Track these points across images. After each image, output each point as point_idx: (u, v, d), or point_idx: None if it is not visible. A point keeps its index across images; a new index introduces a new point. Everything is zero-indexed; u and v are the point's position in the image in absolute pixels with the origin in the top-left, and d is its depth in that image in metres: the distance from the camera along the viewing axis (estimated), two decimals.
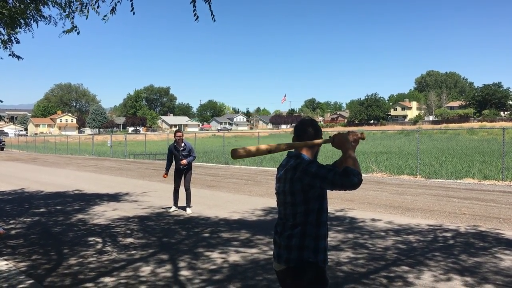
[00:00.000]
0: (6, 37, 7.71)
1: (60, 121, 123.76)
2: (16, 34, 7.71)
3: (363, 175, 2.42)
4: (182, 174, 8.84)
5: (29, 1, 7.35)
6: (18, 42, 7.93)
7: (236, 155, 2.50)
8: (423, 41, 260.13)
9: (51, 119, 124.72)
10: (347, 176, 2.30)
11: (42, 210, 9.24)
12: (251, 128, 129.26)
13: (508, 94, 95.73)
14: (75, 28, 6.98)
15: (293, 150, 2.59)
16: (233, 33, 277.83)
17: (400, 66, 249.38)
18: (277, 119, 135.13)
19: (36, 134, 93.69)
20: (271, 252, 4.14)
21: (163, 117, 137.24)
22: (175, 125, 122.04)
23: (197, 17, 5.61)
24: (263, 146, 2.54)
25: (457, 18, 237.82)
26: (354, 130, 2.59)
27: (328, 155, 20.99)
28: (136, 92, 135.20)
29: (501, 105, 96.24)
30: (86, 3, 6.68)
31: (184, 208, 8.81)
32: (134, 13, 5.94)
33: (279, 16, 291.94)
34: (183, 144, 8.75)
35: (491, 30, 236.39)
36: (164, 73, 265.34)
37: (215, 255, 5.64)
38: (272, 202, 9.08)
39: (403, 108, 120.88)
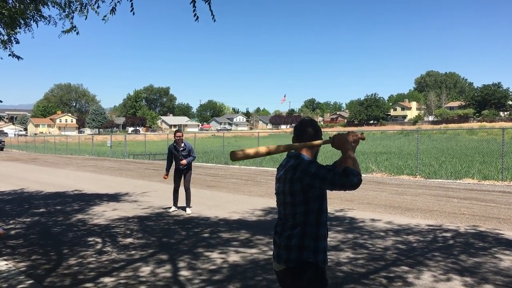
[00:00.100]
0: (6, 37, 7.70)
1: (60, 121, 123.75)
2: (16, 34, 7.70)
3: (362, 175, 2.42)
4: (182, 174, 8.84)
5: (28, 1, 7.34)
6: (17, 42, 7.93)
7: (235, 157, 2.50)
8: (423, 41, 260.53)
9: (50, 119, 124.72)
10: (347, 176, 2.30)
11: (41, 210, 9.24)
12: (250, 128, 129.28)
13: (508, 95, 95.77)
14: (74, 28, 6.98)
15: (292, 150, 2.58)
16: (233, 33, 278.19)
17: (399, 66, 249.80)
18: (276, 119, 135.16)
19: (35, 134, 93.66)
20: (271, 252, 4.14)
21: (163, 117, 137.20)
22: (174, 125, 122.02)
23: (197, 17, 5.61)
24: (262, 148, 2.53)
25: (456, 18, 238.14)
26: (354, 130, 2.59)
27: (327, 155, 20.99)
28: (135, 92, 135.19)
29: (500, 105, 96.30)
30: (86, 3, 6.68)
31: (183, 208, 8.81)
32: (134, 13, 5.94)
33: (279, 16, 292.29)
34: (182, 144, 8.75)
35: (490, 31, 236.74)
36: (164, 73, 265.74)
37: (214, 255, 5.64)
38: (272, 202, 9.08)
39: (403, 108, 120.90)
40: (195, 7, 5.56)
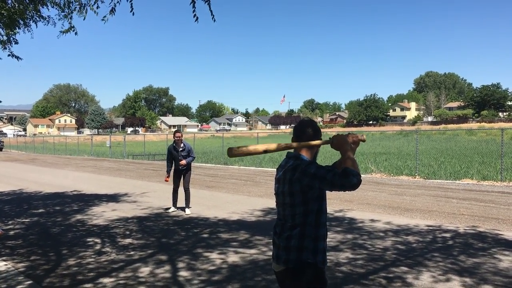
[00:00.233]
0: (5, 37, 7.70)
1: (59, 122, 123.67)
2: (15, 34, 7.70)
3: (362, 175, 2.42)
4: (181, 175, 8.84)
5: (28, 2, 7.34)
6: (16, 42, 7.92)
7: (232, 153, 2.51)
8: (422, 41, 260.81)
9: (50, 119, 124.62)
10: (346, 177, 2.31)
11: (40, 210, 9.23)
12: (250, 129, 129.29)
13: (507, 95, 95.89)
14: (72, 29, 6.98)
15: (292, 150, 2.58)
16: (232, 33, 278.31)
17: (399, 66, 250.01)
18: (276, 120, 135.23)
19: (35, 134, 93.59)
20: (270, 253, 4.14)
21: (162, 118, 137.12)
22: (174, 126, 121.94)
23: (197, 18, 5.62)
24: (260, 146, 2.54)
25: (456, 19, 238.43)
26: (355, 132, 2.60)
27: (327, 155, 21.00)
28: (135, 92, 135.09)
29: (499, 106, 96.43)
30: (85, 4, 6.68)
31: (183, 209, 8.80)
32: (133, 14, 5.94)
33: (279, 17, 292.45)
34: (182, 145, 8.75)
35: (490, 31, 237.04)
36: (163, 73, 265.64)
37: (214, 255, 5.64)
38: (271, 203, 9.08)
39: (402, 109, 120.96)
40: (195, 8, 5.57)
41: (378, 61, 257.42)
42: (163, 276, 4.88)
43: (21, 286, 4.59)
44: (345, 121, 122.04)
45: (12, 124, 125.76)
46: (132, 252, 5.86)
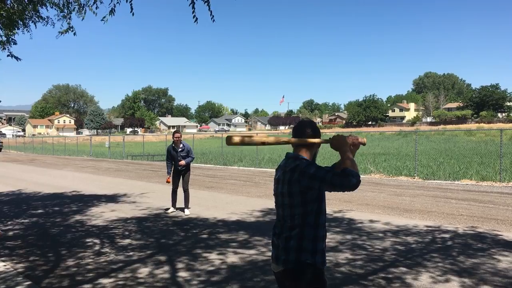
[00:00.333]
0: (4, 38, 7.70)
1: (58, 122, 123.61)
2: (14, 35, 7.70)
3: (361, 176, 2.42)
4: (181, 175, 8.84)
5: (27, 2, 7.34)
6: (15, 43, 7.92)
7: (230, 142, 2.53)
8: (421, 42, 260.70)
9: (49, 120, 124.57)
10: (346, 177, 2.31)
11: (39, 211, 9.22)
12: (249, 129, 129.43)
13: (506, 96, 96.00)
14: (71, 29, 6.98)
15: (291, 151, 2.59)
16: (232, 34, 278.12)
17: (398, 67, 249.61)
18: (275, 120, 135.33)
19: (34, 135, 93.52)
20: (269, 254, 4.14)
21: (161, 118, 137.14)
22: (173, 126, 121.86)
23: (196, 19, 5.62)
24: (258, 138, 2.57)
25: (455, 20, 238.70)
26: (356, 136, 2.61)
27: (326, 156, 21.00)
28: (134, 93, 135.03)
29: (498, 106, 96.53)
30: (84, 4, 6.69)
31: (182, 209, 8.80)
32: (133, 14, 5.95)
33: (278, 17, 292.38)
34: (181, 145, 8.75)
35: (489, 32, 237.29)
36: (162, 74, 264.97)
37: (213, 256, 5.64)
38: (270, 204, 9.08)
39: (401, 110, 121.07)
40: (194, 9, 5.57)
41: (377, 62, 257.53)
42: (162, 277, 4.88)
43: (20, 287, 4.59)
44: (344, 121, 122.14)
45: (11, 125, 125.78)
46: (131, 253, 5.86)
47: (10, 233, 7.18)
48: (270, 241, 3.17)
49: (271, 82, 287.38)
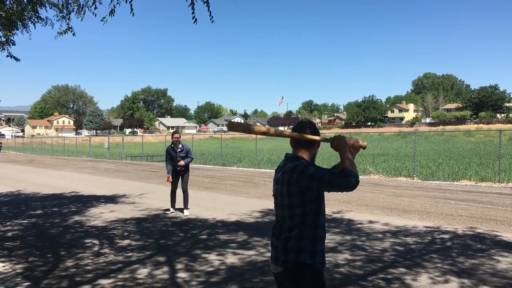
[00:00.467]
0: (3, 39, 7.69)
1: (57, 123, 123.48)
2: (13, 36, 7.69)
3: (360, 177, 2.43)
4: (180, 176, 8.84)
5: (26, 3, 7.34)
6: (14, 44, 7.91)
7: (231, 127, 2.63)
8: (420, 43, 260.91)
9: (48, 120, 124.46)
10: (345, 177, 2.31)
11: (39, 212, 9.21)
12: None
13: (505, 97, 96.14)
14: (70, 29, 6.97)
15: (291, 152, 2.60)
16: (231, 35, 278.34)
17: (397, 68, 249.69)
18: (274, 121, 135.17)
19: (33, 135, 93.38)
20: (269, 254, 4.14)
21: (161, 119, 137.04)
22: (172, 127, 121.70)
23: (196, 20, 5.62)
24: (258, 127, 2.64)
25: (454, 20, 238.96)
26: (357, 139, 2.64)
27: (325, 157, 21.02)
28: (133, 93, 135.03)
29: (497, 107, 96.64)
30: (83, 5, 6.68)
31: (181, 210, 8.80)
32: (133, 15, 5.94)
33: (277, 18, 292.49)
34: (180, 146, 8.75)
35: (488, 33, 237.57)
36: (161, 75, 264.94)
37: (212, 257, 5.63)
38: (270, 204, 9.08)
39: (400, 110, 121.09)
40: (194, 10, 5.57)
41: (376, 63, 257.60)
42: (161, 278, 4.87)
43: None
44: (343, 122, 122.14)
45: (10, 125, 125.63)
46: (130, 254, 5.86)
47: (9, 233, 7.17)
48: (269, 241, 3.18)
49: (270, 82, 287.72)
